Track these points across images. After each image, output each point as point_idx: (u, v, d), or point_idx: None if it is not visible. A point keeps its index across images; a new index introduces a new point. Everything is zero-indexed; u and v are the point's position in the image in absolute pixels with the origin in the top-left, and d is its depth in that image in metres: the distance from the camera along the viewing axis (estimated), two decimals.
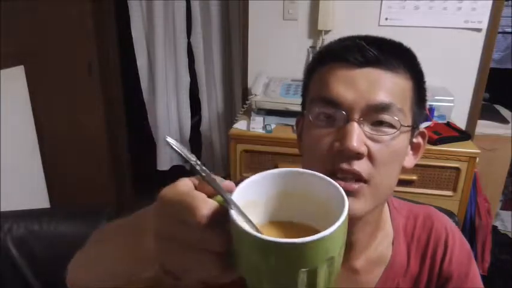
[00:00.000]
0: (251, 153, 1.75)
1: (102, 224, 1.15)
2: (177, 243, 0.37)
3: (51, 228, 1.15)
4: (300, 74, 2.02)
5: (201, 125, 2.43)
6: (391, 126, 0.59)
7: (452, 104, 1.75)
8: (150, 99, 2.42)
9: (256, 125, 1.74)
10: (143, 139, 2.66)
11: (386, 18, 1.86)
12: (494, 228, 2.19)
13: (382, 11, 1.86)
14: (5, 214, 1.17)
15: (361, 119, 0.58)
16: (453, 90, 1.80)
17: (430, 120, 1.69)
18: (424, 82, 0.65)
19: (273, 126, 1.76)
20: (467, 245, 0.75)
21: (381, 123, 0.59)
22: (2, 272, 1.10)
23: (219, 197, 0.36)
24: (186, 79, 2.38)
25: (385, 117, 0.58)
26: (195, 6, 2.20)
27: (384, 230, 0.71)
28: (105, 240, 0.53)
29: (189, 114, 2.46)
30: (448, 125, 1.73)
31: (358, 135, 0.57)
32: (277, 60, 2.03)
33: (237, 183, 0.41)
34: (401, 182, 1.56)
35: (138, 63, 2.36)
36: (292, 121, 1.71)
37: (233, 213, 0.35)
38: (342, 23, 1.90)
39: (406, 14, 1.84)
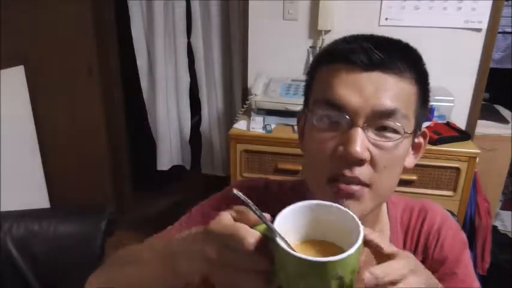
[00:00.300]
0: (251, 153, 1.75)
1: (102, 224, 1.16)
2: (228, 266, 0.45)
3: (51, 228, 1.15)
4: (300, 74, 2.03)
5: (201, 125, 2.43)
6: (395, 131, 0.59)
7: (452, 104, 1.75)
8: (150, 99, 2.42)
9: (256, 125, 1.74)
10: (143, 139, 2.66)
11: (386, 18, 1.86)
12: (494, 228, 2.19)
13: (382, 11, 1.86)
14: (5, 214, 1.17)
15: (365, 124, 0.58)
16: (453, 90, 1.80)
17: (430, 120, 1.69)
18: (428, 84, 0.65)
19: (273, 126, 1.76)
20: (462, 234, 0.75)
21: (384, 128, 0.59)
22: (2, 272, 1.10)
23: (258, 227, 0.45)
24: (186, 79, 2.38)
25: (390, 123, 0.58)
26: (195, 6, 2.20)
27: (381, 223, 0.73)
28: (132, 262, 0.61)
29: (189, 114, 2.46)
30: (448, 125, 1.73)
31: (361, 141, 0.57)
32: (277, 60, 2.03)
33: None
34: (402, 182, 1.55)
35: (138, 63, 2.36)
36: (292, 121, 1.71)
37: (277, 239, 0.44)
38: (342, 23, 1.90)
39: (406, 14, 1.84)
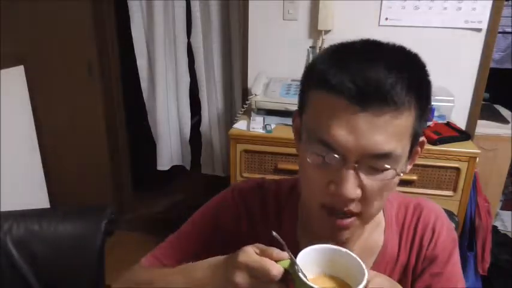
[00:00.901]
0: (251, 153, 1.75)
1: (102, 224, 1.15)
2: None
3: (51, 228, 1.15)
4: (300, 74, 2.02)
5: (201, 125, 2.43)
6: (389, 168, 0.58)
7: (452, 104, 1.75)
8: (150, 99, 2.42)
9: (256, 125, 1.74)
10: (143, 139, 2.66)
11: (386, 18, 1.86)
12: (494, 228, 2.19)
13: (382, 11, 1.86)
14: (5, 214, 1.17)
15: (357, 164, 0.57)
16: (453, 90, 1.80)
17: (430, 120, 1.69)
18: (429, 103, 0.62)
19: (273, 126, 1.76)
20: (454, 234, 0.76)
21: (377, 167, 0.58)
22: (2, 272, 1.10)
23: (281, 262, 0.54)
24: (186, 79, 2.38)
25: (383, 164, 0.57)
26: (195, 6, 2.20)
27: (376, 220, 0.73)
28: None
29: (189, 114, 2.46)
30: (448, 125, 1.73)
31: (353, 182, 0.57)
32: (277, 60, 2.03)
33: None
34: (402, 182, 1.55)
35: (138, 63, 2.36)
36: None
37: (299, 273, 0.53)
38: (342, 23, 1.90)
39: (406, 14, 1.84)
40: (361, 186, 0.58)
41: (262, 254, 0.55)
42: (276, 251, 0.55)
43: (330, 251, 0.57)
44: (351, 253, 0.56)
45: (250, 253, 0.55)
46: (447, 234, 0.74)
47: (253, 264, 0.54)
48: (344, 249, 0.57)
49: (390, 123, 0.56)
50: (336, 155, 0.57)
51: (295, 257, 0.55)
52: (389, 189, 0.62)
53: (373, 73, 0.55)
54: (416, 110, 0.58)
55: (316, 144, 0.58)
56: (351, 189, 0.57)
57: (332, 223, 0.62)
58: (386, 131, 0.56)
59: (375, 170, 0.58)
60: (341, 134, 0.56)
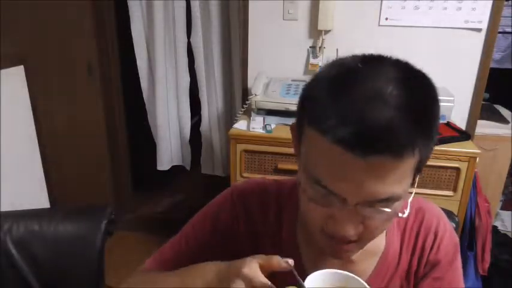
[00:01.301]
0: (251, 153, 1.75)
1: (102, 224, 1.15)
2: None
3: (51, 228, 1.15)
4: (300, 74, 2.03)
5: (201, 125, 2.43)
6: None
7: (452, 104, 1.75)
8: (150, 99, 2.42)
9: (256, 125, 1.75)
10: (143, 139, 2.66)
11: (386, 18, 1.86)
12: (494, 228, 2.19)
13: (382, 11, 1.86)
14: (5, 214, 1.17)
15: (358, 205, 0.55)
16: (453, 90, 1.80)
17: None
18: (437, 129, 0.57)
19: (273, 126, 1.76)
20: (456, 238, 0.75)
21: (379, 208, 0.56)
22: (2, 272, 1.10)
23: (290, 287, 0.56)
24: (186, 79, 2.38)
25: (384, 206, 0.55)
26: (195, 6, 2.19)
27: None
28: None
29: (189, 114, 2.46)
30: (448, 125, 1.73)
31: (353, 222, 0.56)
32: (277, 60, 2.03)
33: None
34: None
35: (138, 63, 2.36)
36: (292, 121, 1.71)
37: None
38: (342, 23, 1.90)
39: (406, 14, 1.84)
40: (362, 221, 0.57)
41: (266, 263, 0.56)
42: (277, 261, 0.56)
43: (339, 276, 0.58)
44: (359, 279, 0.57)
45: (255, 269, 0.55)
46: (449, 239, 0.73)
47: (256, 277, 0.55)
48: (352, 275, 0.58)
49: (391, 172, 0.52)
50: (334, 198, 0.55)
51: (303, 280, 0.55)
52: (390, 221, 0.62)
53: (373, 118, 0.49)
54: (421, 150, 0.53)
55: (314, 184, 0.56)
56: (351, 229, 0.56)
57: (332, 246, 0.62)
58: (387, 179, 0.52)
59: (376, 210, 0.56)
60: (338, 183, 0.53)
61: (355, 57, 0.57)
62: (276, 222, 0.76)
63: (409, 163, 0.53)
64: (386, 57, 0.58)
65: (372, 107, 0.50)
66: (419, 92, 0.54)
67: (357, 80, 0.53)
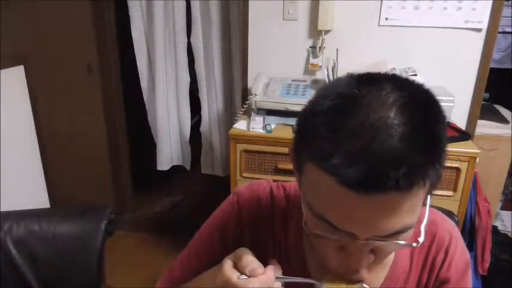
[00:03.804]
0: (251, 153, 1.75)
1: (102, 224, 1.16)
2: None
3: (51, 228, 1.15)
4: (300, 74, 2.03)
5: (201, 125, 2.43)
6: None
7: (452, 104, 1.75)
8: (150, 99, 2.42)
9: (256, 125, 1.75)
10: (143, 139, 2.66)
11: (386, 18, 1.86)
12: (494, 228, 2.19)
13: (382, 11, 1.85)
14: (5, 214, 1.17)
15: (367, 240, 0.52)
16: (453, 90, 1.80)
17: None
18: (446, 151, 0.55)
19: (273, 126, 1.76)
20: (467, 255, 0.74)
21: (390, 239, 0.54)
22: (2, 272, 1.10)
23: None
24: (186, 79, 2.38)
25: (396, 239, 0.53)
26: (195, 6, 2.20)
27: None
28: None
29: (189, 114, 2.46)
30: (448, 125, 1.73)
31: (364, 254, 0.54)
32: (277, 60, 2.03)
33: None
34: None
35: (138, 63, 2.36)
36: (292, 121, 1.71)
37: None
38: (342, 23, 1.90)
39: (406, 14, 1.84)
40: (373, 250, 0.56)
41: (236, 265, 0.59)
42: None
43: None
44: None
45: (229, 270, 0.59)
46: (460, 257, 0.72)
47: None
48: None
49: (402, 206, 0.49)
50: (343, 233, 0.52)
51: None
52: (402, 246, 0.59)
53: (379, 154, 0.46)
54: (432, 178, 0.50)
55: (320, 221, 0.53)
56: (363, 262, 0.55)
57: (343, 268, 0.59)
58: (398, 213, 0.49)
59: (389, 242, 0.53)
60: (347, 223, 0.51)
61: (350, 81, 0.52)
62: (281, 228, 0.75)
63: (420, 194, 0.50)
64: (383, 75, 0.54)
65: (376, 141, 0.46)
66: (423, 114, 0.51)
67: (356, 110, 0.48)
